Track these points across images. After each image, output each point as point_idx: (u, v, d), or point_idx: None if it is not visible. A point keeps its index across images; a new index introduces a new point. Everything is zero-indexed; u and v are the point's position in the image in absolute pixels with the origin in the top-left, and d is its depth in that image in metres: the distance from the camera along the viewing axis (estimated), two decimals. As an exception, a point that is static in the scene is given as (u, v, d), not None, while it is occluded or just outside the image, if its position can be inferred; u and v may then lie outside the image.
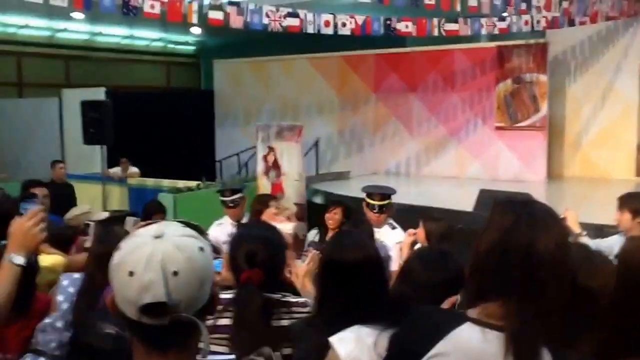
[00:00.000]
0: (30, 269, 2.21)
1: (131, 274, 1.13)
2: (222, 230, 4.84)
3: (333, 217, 4.98)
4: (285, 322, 2.15)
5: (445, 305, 1.97)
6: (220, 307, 2.08)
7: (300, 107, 13.45)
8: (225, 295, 2.12)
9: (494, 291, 1.37)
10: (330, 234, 4.75)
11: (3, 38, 13.28)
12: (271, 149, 8.14)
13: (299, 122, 9.94)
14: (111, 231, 2.69)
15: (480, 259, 1.42)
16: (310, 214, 8.10)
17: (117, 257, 1.18)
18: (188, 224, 1.26)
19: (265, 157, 8.24)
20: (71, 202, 7.98)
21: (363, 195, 4.94)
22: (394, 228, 4.82)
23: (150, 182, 9.63)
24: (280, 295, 2.21)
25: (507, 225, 1.38)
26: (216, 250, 3.97)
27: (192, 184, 8.75)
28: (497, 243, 1.38)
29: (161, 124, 13.18)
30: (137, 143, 11.34)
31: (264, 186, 8.20)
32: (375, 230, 4.49)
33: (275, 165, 8.07)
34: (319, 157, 12.60)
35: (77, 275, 2.55)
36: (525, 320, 1.31)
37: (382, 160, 12.55)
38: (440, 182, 10.93)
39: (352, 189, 10.12)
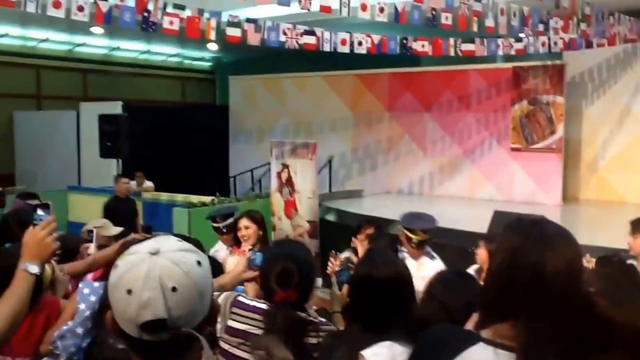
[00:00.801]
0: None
1: (129, 292, 1.13)
2: (218, 257, 4.60)
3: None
4: (313, 340, 2.21)
5: (469, 324, 1.98)
6: (257, 316, 2.24)
7: (314, 125, 13.48)
8: (259, 304, 2.23)
9: (504, 312, 1.37)
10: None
11: (23, 51, 13.48)
12: (285, 166, 8.17)
13: (312, 139, 9.98)
14: (129, 244, 2.70)
15: (490, 279, 1.43)
16: (323, 231, 8.11)
17: (114, 275, 1.17)
18: (185, 238, 1.28)
19: (279, 174, 8.27)
20: (134, 217, 7.94)
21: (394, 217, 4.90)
22: (432, 258, 4.53)
23: (164, 196, 9.67)
24: (306, 314, 2.30)
25: (515, 245, 1.38)
26: (218, 265, 3.94)
27: (206, 199, 8.77)
28: (505, 263, 1.38)
29: (176, 139, 13.26)
30: (152, 157, 11.42)
31: (278, 203, 8.21)
32: (414, 262, 4.26)
33: (289, 183, 8.09)
34: (332, 174, 12.60)
35: (97, 284, 2.56)
36: (535, 341, 1.30)
37: (395, 179, 12.52)
38: (454, 203, 10.82)
39: (365, 208, 10.13)
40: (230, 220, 4.96)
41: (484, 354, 1.35)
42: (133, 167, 10.04)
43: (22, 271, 1.95)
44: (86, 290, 2.51)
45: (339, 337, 2.15)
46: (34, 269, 1.96)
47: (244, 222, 4.58)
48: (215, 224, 5.00)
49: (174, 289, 1.13)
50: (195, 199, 8.91)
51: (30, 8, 6.32)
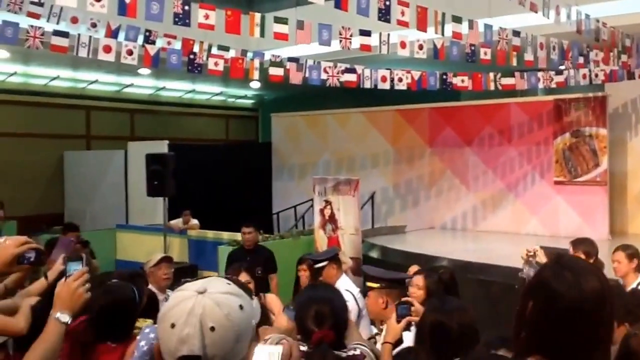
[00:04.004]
0: None
1: (173, 325, 1.21)
2: None
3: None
4: None
5: None
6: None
7: (356, 160, 13.55)
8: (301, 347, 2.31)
9: (534, 348, 1.44)
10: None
11: (74, 93, 14.01)
12: (328, 203, 8.23)
13: (354, 175, 10.04)
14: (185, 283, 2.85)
15: (520, 317, 1.48)
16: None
17: (164, 308, 1.26)
18: (235, 281, 1.32)
19: (322, 211, 8.34)
20: (271, 265, 7.32)
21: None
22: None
23: (210, 234, 9.79)
24: (344, 353, 2.38)
25: (547, 287, 1.45)
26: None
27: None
28: (534, 302, 1.45)
29: (220, 176, 13.40)
30: (196, 195, 11.58)
31: (321, 240, 8.27)
32: None
33: (332, 219, 8.15)
34: (374, 210, 12.61)
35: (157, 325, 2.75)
36: None
37: (438, 214, 12.43)
38: (499, 238, 10.69)
39: (409, 244, 10.09)
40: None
41: None
42: (179, 205, 10.19)
43: (55, 320, 2.02)
44: (147, 330, 2.73)
45: None
46: (66, 318, 2.03)
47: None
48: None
49: (212, 329, 1.19)
50: (239, 236, 8.98)
51: (82, 53, 6.66)
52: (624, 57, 8.86)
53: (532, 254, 4.30)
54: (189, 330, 1.19)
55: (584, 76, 8.98)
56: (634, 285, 4.59)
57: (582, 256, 4.19)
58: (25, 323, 2.82)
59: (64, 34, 6.39)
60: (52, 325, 2.01)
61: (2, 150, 12.98)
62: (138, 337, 2.72)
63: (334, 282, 4.92)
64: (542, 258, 4.27)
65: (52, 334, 2.00)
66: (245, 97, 17.45)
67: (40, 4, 5.85)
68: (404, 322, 2.92)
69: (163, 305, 1.28)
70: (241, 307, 1.25)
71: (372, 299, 3.49)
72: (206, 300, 1.22)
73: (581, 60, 8.46)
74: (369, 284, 3.56)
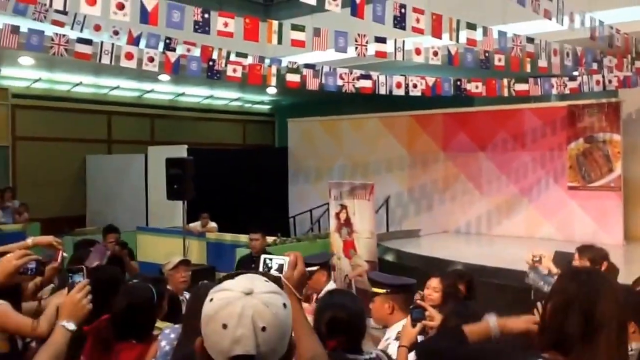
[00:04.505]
0: None
1: (224, 326, 1.26)
2: None
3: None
4: None
5: None
6: None
7: (371, 165, 13.63)
8: None
9: (557, 346, 1.60)
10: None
11: (97, 98, 14.29)
12: (343, 207, 8.29)
13: (369, 179, 10.14)
14: (203, 286, 3.01)
15: (547, 318, 1.66)
16: (381, 271, 8.19)
17: (211, 308, 1.30)
18: (269, 277, 1.41)
19: (337, 215, 8.41)
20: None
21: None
22: None
23: (228, 237, 9.91)
24: (361, 356, 2.51)
25: (570, 294, 1.61)
26: None
27: (268, 239, 8.97)
28: (560, 309, 1.61)
29: (237, 180, 13.53)
30: (214, 198, 11.65)
31: (337, 243, 8.37)
32: None
33: (348, 223, 8.21)
34: (389, 214, 12.68)
35: (176, 326, 2.95)
36: None
37: (452, 219, 12.50)
38: (512, 243, 10.68)
39: (423, 248, 10.18)
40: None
41: None
42: (197, 208, 10.30)
43: (61, 327, 2.21)
44: (167, 331, 2.93)
45: None
46: (71, 326, 2.22)
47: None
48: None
49: (263, 329, 1.26)
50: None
51: (105, 60, 6.87)
52: (637, 63, 8.88)
53: (537, 259, 4.26)
54: (242, 331, 1.25)
55: (598, 82, 8.97)
56: None
57: (588, 263, 4.25)
58: (47, 326, 2.89)
59: (88, 42, 6.59)
60: (59, 332, 2.20)
61: (27, 154, 13.28)
62: (159, 337, 2.90)
63: (321, 288, 4.83)
64: (547, 263, 4.27)
65: (58, 340, 2.17)
66: (262, 102, 17.64)
67: (65, 13, 6.01)
68: (419, 326, 2.97)
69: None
70: (284, 305, 1.32)
71: (378, 304, 3.49)
72: (255, 302, 1.28)
73: (595, 66, 8.49)
74: (375, 289, 3.57)
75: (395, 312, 3.45)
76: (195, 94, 15.78)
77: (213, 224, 10.46)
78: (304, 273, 1.88)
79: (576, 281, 1.63)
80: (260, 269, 1.91)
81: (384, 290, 3.49)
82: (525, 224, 11.56)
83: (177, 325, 2.97)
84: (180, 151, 11.74)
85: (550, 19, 6.84)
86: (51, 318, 2.87)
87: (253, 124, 17.96)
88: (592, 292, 1.58)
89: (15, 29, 6.19)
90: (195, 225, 10.30)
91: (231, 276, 1.37)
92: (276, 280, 1.41)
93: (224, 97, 16.52)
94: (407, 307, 3.24)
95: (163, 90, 15.00)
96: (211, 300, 1.31)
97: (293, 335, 1.38)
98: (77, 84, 13.60)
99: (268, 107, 18.10)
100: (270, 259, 1.93)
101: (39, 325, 2.76)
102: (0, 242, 3.24)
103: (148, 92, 14.87)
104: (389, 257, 9.43)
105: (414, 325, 2.98)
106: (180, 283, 4.98)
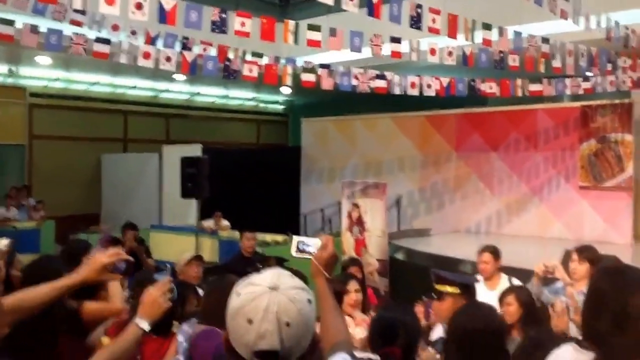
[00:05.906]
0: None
1: (250, 321, 1.28)
2: None
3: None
4: None
5: None
6: None
7: (383, 164, 13.66)
8: (368, 355, 2.56)
9: (590, 340, 1.68)
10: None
11: (113, 97, 14.43)
12: (356, 206, 8.37)
13: (381, 178, 10.19)
14: (224, 280, 3.13)
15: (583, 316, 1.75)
16: (392, 270, 8.26)
17: (236, 302, 1.32)
18: (293, 271, 1.45)
19: (350, 214, 8.49)
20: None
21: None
22: None
23: (239, 235, 9.98)
24: None
25: (603, 290, 1.68)
26: None
27: (279, 237, 9.05)
28: (593, 305, 1.70)
29: (251, 179, 13.59)
30: (227, 196, 11.69)
31: (348, 241, 8.45)
32: None
33: (360, 222, 8.28)
34: (400, 213, 12.71)
35: (193, 319, 3.10)
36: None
37: (463, 218, 12.51)
38: (523, 242, 10.74)
39: (434, 247, 10.22)
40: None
41: (572, 349, 1.74)
42: (211, 206, 10.38)
43: (134, 325, 2.14)
44: (185, 327, 3.07)
45: None
46: (145, 325, 2.14)
47: None
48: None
49: (288, 324, 1.28)
50: (269, 237, 9.17)
51: (122, 59, 6.99)
52: (652, 64, 8.88)
53: (550, 270, 4.25)
54: (267, 326, 1.27)
55: (611, 83, 8.94)
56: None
57: (587, 263, 4.27)
58: (120, 302, 3.26)
59: (106, 41, 6.70)
60: (132, 328, 2.15)
61: (44, 152, 13.45)
62: (177, 333, 3.04)
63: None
64: (561, 274, 4.29)
65: (129, 336, 2.14)
66: (276, 102, 17.73)
67: (83, 12, 6.10)
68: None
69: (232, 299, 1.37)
70: (309, 301, 1.35)
71: (449, 305, 3.26)
72: (280, 297, 1.30)
73: (609, 67, 8.49)
74: (441, 287, 3.35)
75: None
76: (210, 94, 15.89)
77: (225, 222, 10.53)
78: (333, 254, 1.94)
79: (607, 280, 1.69)
80: (293, 251, 2.02)
81: (457, 290, 3.33)
82: (535, 224, 11.57)
83: (193, 319, 3.10)
84: (195, 150, 11.79)
85: (566, 19, 6.82)
86: (118, 293, 3.24)
87: (267, 123, 18.04)
88: (625, 290, 1.63)
89: (34, 29, 6.29)
90: (208, 223, 10.38)
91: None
92: (301, 276, 1.46)
93: (239, 96, 16.62)
94: None
95: (178, 89, 15.12)
96: (238, 295, 1.34)
97: (316, 329, 1.41)
98: (94, 84, 13.76)
99: (282, 107, 18.19)
100: (303, 242, 2.04)
101: (113, 304, 3.14)
102: (15, 240, 3.30)
103: (163, 91, 15.00)
104: (400, 256, 9.48)
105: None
106: (193, 278, 5.22)
